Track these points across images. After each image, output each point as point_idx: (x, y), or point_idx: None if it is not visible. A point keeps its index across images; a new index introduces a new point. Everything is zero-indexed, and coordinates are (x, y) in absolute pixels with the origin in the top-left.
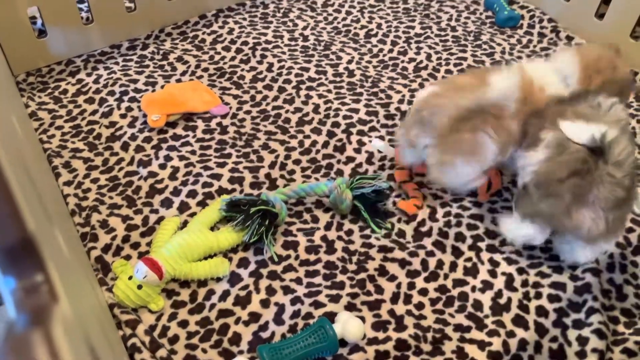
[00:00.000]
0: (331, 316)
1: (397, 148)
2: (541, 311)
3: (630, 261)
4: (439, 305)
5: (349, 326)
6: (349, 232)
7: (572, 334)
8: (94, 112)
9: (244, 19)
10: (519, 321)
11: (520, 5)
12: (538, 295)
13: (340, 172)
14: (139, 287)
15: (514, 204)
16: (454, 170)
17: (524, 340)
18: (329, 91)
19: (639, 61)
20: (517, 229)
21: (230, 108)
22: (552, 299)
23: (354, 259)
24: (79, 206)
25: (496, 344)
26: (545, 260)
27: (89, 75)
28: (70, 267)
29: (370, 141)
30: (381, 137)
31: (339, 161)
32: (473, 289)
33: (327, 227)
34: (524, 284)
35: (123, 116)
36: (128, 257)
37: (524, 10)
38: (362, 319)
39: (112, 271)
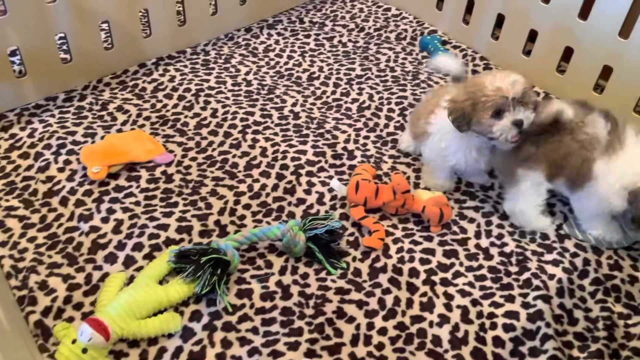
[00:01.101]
0: None
1: (352, 182)
2: (498, 342)
3: (577, 285)
4: (399, 344)
5: None
6: (305, 276)
7: None
8: (29, 168)
9: (185, 66)
10: (477, 354)
11: (453, 45)
12: (493, 326)
13: (291, 215)
14: (84, 350)
15: None
16: None
17: None
18: (276, 134)
19: (564, 93)
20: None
21: (175, 156)
22: (507, 328)
23: (311, 302)
24: (15, 268)
25: None
26: (497, 289)
27: (22, 129)
28: (11, 341)
29: (329, 178)
30: (323, 183)
31: (289, 203)
32: (431, 324)
33: (282, 271)
34: (479, 315)
35: (61, 170)
36: (71, 319)
37: (456, 50)
38: None
39: (53, 336)
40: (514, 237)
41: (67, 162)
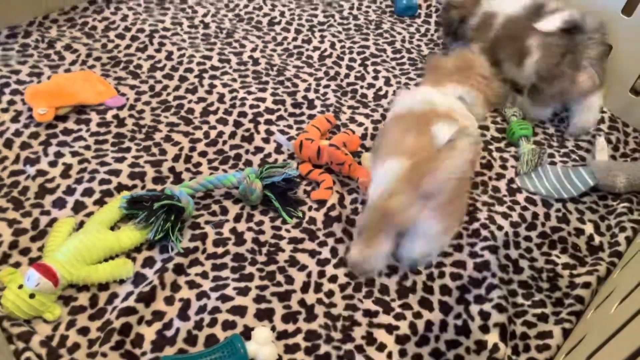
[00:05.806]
0: (241, 310)
1: (296, 142)
2: (445, 290)
3: (524, 236)
4: (349, 291)
5: (265, 351)
6: (260, 223)
7: (475, 309)
8: None
9: (139, 4)
10: (424, 302)
11: None
12: (441, 275)
13: (249, 163)
14: (31, 296)
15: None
16: None
17: (430, 322)
18: (234, 80)
19: None
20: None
21: (127, 99)
22: (454, 277)
23: (264, 250)
24: None
25: (403, 327)
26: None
27: None
28: None
29: (288, 127)
30: (282, 132)
31: (247, 151)
32: (380, 274)
33: (237, 218)
34: (427, 265)
35: (4, 110)
36: (17, 265)
37: (420, 0)
38: (272, 310)
39: None
40: None
41: (12, 102)
